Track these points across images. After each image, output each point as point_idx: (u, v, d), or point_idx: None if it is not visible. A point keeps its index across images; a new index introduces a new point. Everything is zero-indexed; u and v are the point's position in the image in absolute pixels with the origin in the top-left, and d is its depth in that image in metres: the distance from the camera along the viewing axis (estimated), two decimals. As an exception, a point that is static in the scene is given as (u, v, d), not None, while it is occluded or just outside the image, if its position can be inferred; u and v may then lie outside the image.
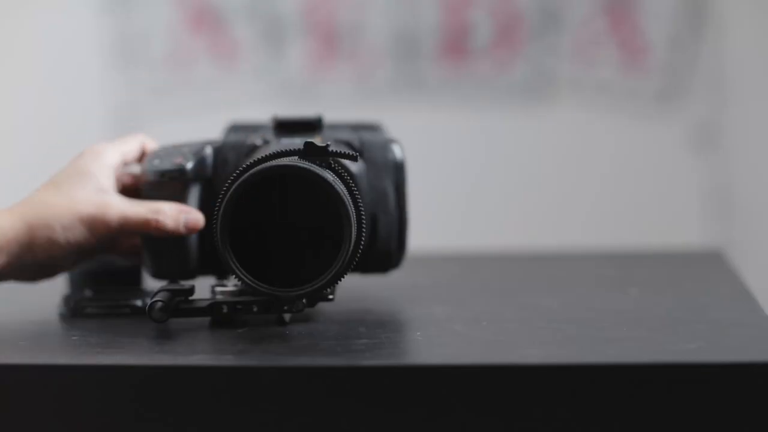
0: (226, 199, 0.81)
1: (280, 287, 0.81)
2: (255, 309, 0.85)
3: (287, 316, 0.86)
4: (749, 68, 2.28)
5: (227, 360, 0.75)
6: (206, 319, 0.92)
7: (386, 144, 0.94)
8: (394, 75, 2.33)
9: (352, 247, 0.81)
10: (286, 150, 0.83)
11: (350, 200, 0.81)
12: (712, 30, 2.28)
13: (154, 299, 0.85)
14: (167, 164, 0.92)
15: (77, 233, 0.90)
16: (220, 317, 0.86)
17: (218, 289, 0.88)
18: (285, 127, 0.93)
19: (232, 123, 0.97)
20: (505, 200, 2.35)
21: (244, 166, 0.83)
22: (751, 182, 2.29)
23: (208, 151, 0.93)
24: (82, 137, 2.36)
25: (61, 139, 2.37)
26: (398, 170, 0.93)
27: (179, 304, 0.85)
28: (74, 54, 2.38)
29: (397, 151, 0.93)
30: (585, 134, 2.32)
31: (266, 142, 0.92)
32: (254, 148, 0.93)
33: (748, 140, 2.29)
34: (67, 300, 0.94)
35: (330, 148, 0.82)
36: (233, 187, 0.81)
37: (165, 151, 0.94)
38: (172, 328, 0.88)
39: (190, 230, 0.91)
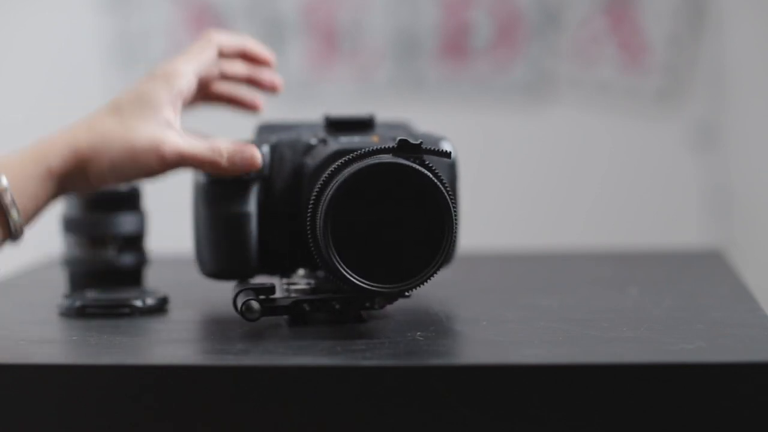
0: (328, 196, 0.81)
1: (378, 283, 0.81)
2: (336, 306, 0.85)
3: (365, 314, 0.86)
4: (749, 68, 2.28)
5: (227, 360, 0.75)
6: (205, 319, 0.92)
7: (438, 141, 0.94)
8: (394, 75, 2.33)
9: (451, 244, 0.82)
10: (379, 147, 0.83)
11: (450, 200, 0.82)
12: (712, 30, 2.28)
13: (244, 298, 0.84)
14: None
15: (128, 167, 0.90)
16: (301, 315, 0.85)
17: (292, 287, 0.87)
18: (337, 125, 0.94)
19: (261, 123, 0.97)
20: (504, 200, 2.35)
21: (339, 163, 0.83)
22: (751, 182, 2.29)
23: (266, 149, 0.93)
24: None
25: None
26: (451, 167, 0.93)
27: (262, 303, 0.85)
28: (74, 54, 2.38)
29: (449, 149, 0.93)
30: (585, 134, 2.32)
31: (323, 141, 0.92)
32: (310, 147, 0.93)
33: (747, 140, 2.29)
34: (67, 300, 0.94)
35: (423, 146, 0.82)
36: (335, 184, 0.81)
37: None
38: (171, 329, 0.88)
39: (246, 168, 0.90)
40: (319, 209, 0.82)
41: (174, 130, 0.91)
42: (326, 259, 0.81)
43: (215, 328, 0.87)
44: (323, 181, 0.83)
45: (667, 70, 2.29)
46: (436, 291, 1.01)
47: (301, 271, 0.92)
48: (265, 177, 0.92)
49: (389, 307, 0.88)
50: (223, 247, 0.91)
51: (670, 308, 0.93)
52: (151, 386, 0.74)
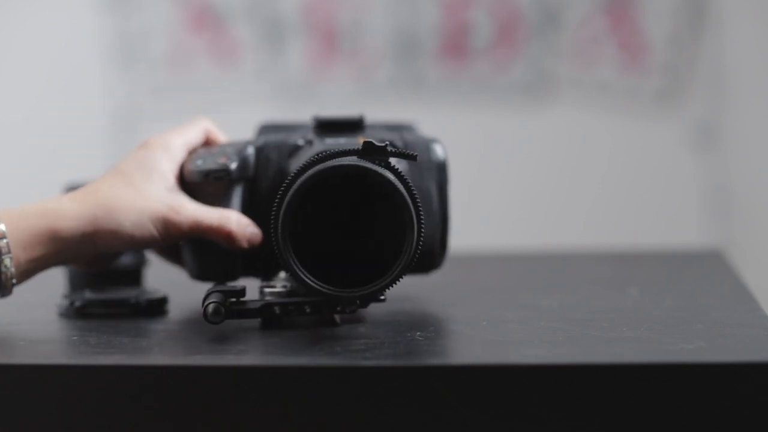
0: (287, 199, 0.80)
1: (339, 288, 0.80)
2: (307, 310, 0.84)
3: (338, 318, 0.86)
4: (749, 68, 2.28)
5: (227, 360, 0.75)
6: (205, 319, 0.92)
7: (429, 144, 0.93)
8: (394, 75, 2.33)
9: (413, 249, 0.80)
10: (344, 149, 0.82)
11: (411, 202, 0.80)
12: (712, 30, 2.28)
13: (209, 301, 0.83)
14: (211, 164, 0.91)
15: (145, 231, 0.88)
16: (272, 319, 0.85)
17: (267, 290, 0.87)
18: (326, 126, 0.93)
19: (263, 123, 0.96)
20: (504, 200, 2.35)
21: (302, 165, 0.82)
22: (751, 182, 2.29)
23: (251, 150, 0.92)
24: (82, 137, 2.37)
25: (62, 139, 2.37)
26: (441, 170, 0.92)
27: (231, 305, 0.84)
28: (74, 54, 2.38)
29: (439, 151, 0.93)
30: (585, 134, 2.32)
31: (309, 142, 0.92)
32: (297, 148, 0.92)
33: (748, 140, 2.29)
34: (67, 300, 0.94)
35: (389, 148, 0.82)
36: (294, 186, 0.80)
37: (207, 151, 0.93)
38: (171, 329, 0.88)
39: (251, 245, 0.90)
40: (280, 211, 0.81)
41: (184, 196, 0.90)
42: (285, 262, 0.81)
43: (215, 328, 0.87)
44: (287, 183, 0.82)
45: (667, 70, 2.29)
46: (436, 291, 1.01)
47: (281, 274, 0.91)
48: (250, 178, 0.92)
49: (389, 307, 0.88)
50: (207, 249, 0.91)
51: (670, 308, 0.93)
52: (151, 386, 0.74)
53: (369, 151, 0.81)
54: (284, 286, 0.87)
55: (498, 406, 0.72)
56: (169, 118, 2.31)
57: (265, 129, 0.96)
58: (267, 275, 0.92)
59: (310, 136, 0.93)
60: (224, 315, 0.83)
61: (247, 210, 0.91)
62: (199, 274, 0.93)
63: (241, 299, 0.84)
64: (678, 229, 2.30)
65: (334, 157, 0.82)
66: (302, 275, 0.80)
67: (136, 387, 0.74)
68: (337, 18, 2.34)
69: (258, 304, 0.84)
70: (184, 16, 2.36)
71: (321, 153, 0.82)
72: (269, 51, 2.35)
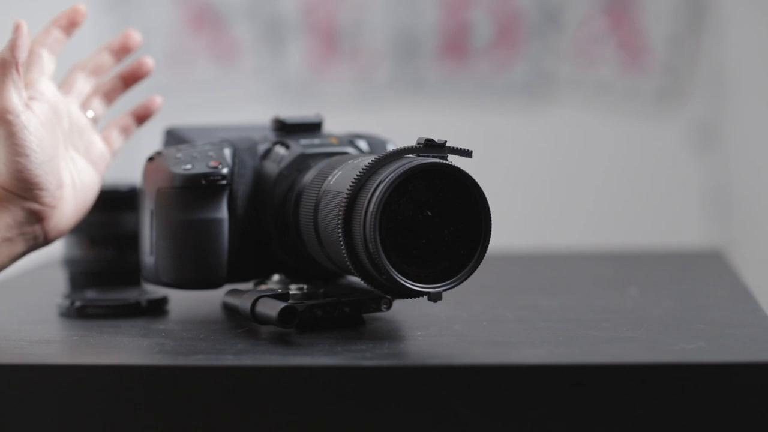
0: (376, 200, 0.79)
1: (420, 284, 0.80)
2: (346, 310, 0.84)
3: (365, 316, 0.86)
4: (749, 68, 2.28)
5: (227, 360, 0.75)
6: (205, 319, 0.92)
7: (384, 144, 0.95)
8: (394, 75, 2.33)
9: (488, 240, 0.81)
10: (404, 148, 0.82)
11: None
12: (712, 30, 2.28)
13: (284, 305, 0.82)
14: (203, 168, 0.89)
15: (22, 200, 0.86)
16: (314, 321, 0.84)
17: (292, 292, 0.85)
18: (288, 128, 0.93)
19: (168, 128, 0.96)
20: (504, 200, 2.35)
21: (366, 166, 0.81)
22: (751, 182, 2.29)
23: (228, 152, 0.92)
24: (82, 137, 2.37)
25: (61, 139, 2.37)
26: None
27: (284, 309, 0.82)
28: (74, 54, 2.38)
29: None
30: (585, 134, 2.32)
31: (280, 144, 0.91)
32: (268, 151, 0.92)
33: (747, 140, 2.29)
34: (68, 300, 0.94)
35: (447, 144, 0.82)
36: (383, 187, 0.79)
37: (185, 154, 0.91)
38: (171, 329, 0.88)
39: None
40: (360, 212, 0.80)
41: None
42: (373, 261, 0.79)
43: (215, 328, 0.87)
44: (354, 182, 0.80)
45: (667, 70, 2.29)
46: (436, 291, 1.01)
47: (276, 277, 0.90)
48: (227, 181, 0.90)
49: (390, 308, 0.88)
50: (195, 255, 0.89)
51: (670, 308, 0.93)
52: (151, 386, 0.74)
53: (429, 148, 0.82)
54: (300, 288, 0.85)
55: (498, 406, 0.72)
56: (169, 118, 2.31)
57: (171, 134, 0.95)
58: (246, 280, 0.92)
59: (273, 137, 0.92)
60: (297, 319, 0.82)
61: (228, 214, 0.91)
62: (179, 281, 0.91)
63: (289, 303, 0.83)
64: (678, 229, 2.30)
65: (398, 156, 0.81)
66: (393, 273, 0.79)
67: (136, 387, 0.74)
68: (337, 18, 2.34)
69: (302, 307, 0.83)
70: (184, 16, 2.36)
71: (380, 155, 0.82)
72: (269, 51, 2.35)
